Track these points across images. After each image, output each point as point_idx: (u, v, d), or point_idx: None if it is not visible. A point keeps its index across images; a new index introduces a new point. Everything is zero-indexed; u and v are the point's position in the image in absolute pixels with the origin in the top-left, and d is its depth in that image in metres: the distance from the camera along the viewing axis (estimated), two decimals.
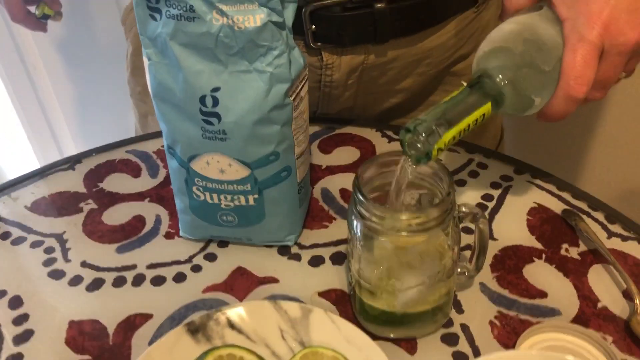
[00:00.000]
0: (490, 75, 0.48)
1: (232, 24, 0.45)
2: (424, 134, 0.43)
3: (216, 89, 0.48)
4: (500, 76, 0.47)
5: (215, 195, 0.54)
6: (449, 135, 0.44)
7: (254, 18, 0.44)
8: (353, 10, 0.60)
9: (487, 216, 0.61)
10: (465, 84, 0.48)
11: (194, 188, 0.55)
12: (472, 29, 0.68)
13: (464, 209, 0.47)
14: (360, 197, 0.44)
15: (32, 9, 0.82)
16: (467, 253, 0.55)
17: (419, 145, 0.44)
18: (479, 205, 0.62)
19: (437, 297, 0.48)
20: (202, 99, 0.48)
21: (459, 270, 0.52)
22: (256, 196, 0.54)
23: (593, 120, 0.97)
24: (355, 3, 0.60)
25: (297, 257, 0.58)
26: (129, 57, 0.80)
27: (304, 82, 0.52)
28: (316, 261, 0.58)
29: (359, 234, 0.46)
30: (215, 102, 0.48)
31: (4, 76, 1.28)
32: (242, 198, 0.54)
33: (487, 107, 0.46)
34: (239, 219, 0.56)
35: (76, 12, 1.19)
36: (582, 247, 0.58)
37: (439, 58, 0.68)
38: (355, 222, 0.46)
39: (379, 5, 0.60)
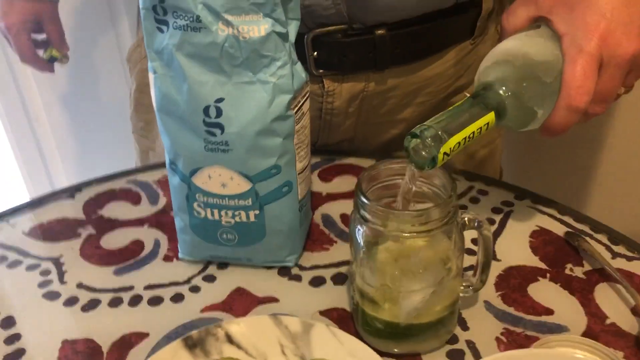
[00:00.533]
0: (492, 87, 0.49)
1: (237, 34, 0.46)
2: (429, 139, 0.43)
3: (220, 100, 0.49)
4: (502, 88, 0.48)
5: (216, 212, 0.54)
6: (454, 140, 0.44)
7: (259, 28, 0.46)
8: (354, 37, 0.62)
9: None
10: (468, 95, 0.49)
11: (195, 204, 0.55)
12: (470, 60, 0.70)
13: (467, 216, 0.46)
14: (364, 199, 0.44)
15: (41, 52, 0.85)
16: (471, 273, 0.54)
17: (423, 153, 0.44)
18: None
19: (442, 308, 0.47)
20: (206, 110, 0.49)
21: (463, 284, 0.51)
22: (257, 212, 0.54)
23: (592, 147, 0.98)
24: (356, 30, 0.62)
25: (298, 278, 0.57)
26: (132, 94, 0.81)
27: (305, 97, 0.53)
28: (317, 282, 0.57)
29: (362, 242, 0.46)
30: (219, 112, 0.49)
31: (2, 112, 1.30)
32: (243, 214, 0.54)
33: (490, 117, 0.47)
34: (239, 237, 0.56)
35: (78, 57, 1.22)
36: (587, 267, 0.57)
37: (438, 87, 0.70)
38: (358, 230, 0.46)
39: (379, 32, 0.62)
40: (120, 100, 0.92)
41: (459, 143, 0.45)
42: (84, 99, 1.29)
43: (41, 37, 0.81)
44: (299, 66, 0.50)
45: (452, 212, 0.44)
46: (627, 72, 0.50)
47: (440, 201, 0.44)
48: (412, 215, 0.43)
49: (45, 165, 1.37)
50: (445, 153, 0.44)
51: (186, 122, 0.50)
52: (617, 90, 0.50)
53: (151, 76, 0.51)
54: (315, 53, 0.62)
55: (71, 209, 0.68)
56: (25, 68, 1.16)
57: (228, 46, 0.47)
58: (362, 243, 0.46)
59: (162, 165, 0.75)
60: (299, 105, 0.52)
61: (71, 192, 0.71)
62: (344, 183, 0.70)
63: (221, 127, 0.49)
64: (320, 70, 0.64)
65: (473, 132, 0.46)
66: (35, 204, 0.69)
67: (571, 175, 1.02)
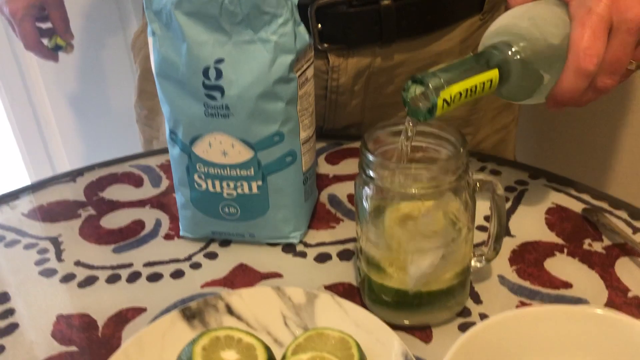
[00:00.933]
0: (497, 47, 0.47)
1: None
2: (430, 85, 0.41)
3: (220, 61, 0.47)
4: (508, 47, 0.46)
5: (217, 183, 0.52)
6: (455, 88, 0.42)
7: None
8: (359, 7, 0.61)
9: (506, 216, 0.58)
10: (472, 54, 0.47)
11: (196, 176, 0.53)
12: (478, 37, 0.68)
13: (479, 177, 0.44)
14: (370, 157, 0.42)
15: (45, 41, 0.84)
16: (484, 248, 0.51)
17: (421, 104, 0.42)
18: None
19: (452, 276, 0.44)
20: (206, 72, 0.47)
21: (476, 254, 0.48)
22: (260, 183, 0.52)
23: (604, 125, 0.95)
24: (360, 0, 0.60)
25: (303, 255, 0.55)
26: (137, 81, 0.80)
27: (310, 62, 0.51)
28: (323, 258, 0.55)
29: (368, 205, 0.44)
30: (219, 74, 0.47)
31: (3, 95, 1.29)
32: (245, 185, 0.52)
33: (494, 74, 0.45)
34: (241, 210, 0.54)
35: (84, 41, 1.21)
36: (607, 242, 0.54)
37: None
38: (364, 193, 0.44)
39: (384, 2, 0.60)
40: (126, 90, 0.91)
41: (460, 93, 0.42)
42: (89, 89, 1.28)
43: (46, 25, 0.81)
44: (302, 28, 0.49)
45: (462, 169, 0.41)
46: (638, 43, 0.48)
47: (452, 157, 0.42)
48: (419, 169, 0.41)
49: (48, 155, 1.36)
50: (445, 100, 0.41)
51: (185, 86, 0.49)
52: (627, 59, 0.48)
53: (150, 40, 0.49)
54: (320, 25, 0.61)
55: (72, 191, 0.66)
56: (30, 56, 1.15)
57: (228, 3, 0.45)
58: (368, 207, 0.44)
59: (164, 150, 0.73)
60: (303, 70, 0.50)
61: (73, 176, 0.69)
62: (351, 165, 0.68)
63: (221, 89, 0.48)
64: (325, 45, 0.62)
65: (475, 86, 0.43)
66: (36, 187, 0.68)
67: (587, 157, 0.99)
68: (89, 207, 0.64)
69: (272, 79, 0.48)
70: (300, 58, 0.49)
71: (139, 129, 0.84)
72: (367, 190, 0.43)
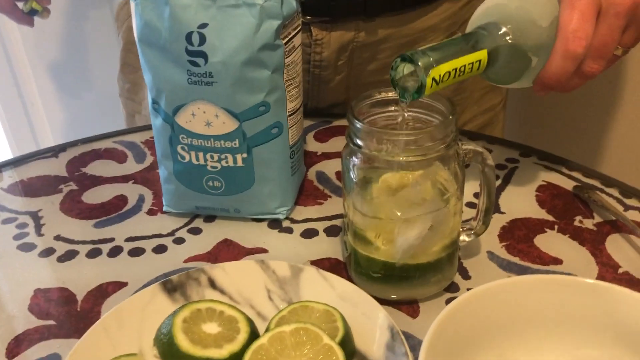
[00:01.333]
0: (486, 27, 0.46)
1: None
2: (420, 63, 0.40)
3: (203, 25, 0.46)
4: (497, 28, 0.46)
5: (201, 155, 0.51)
6: (444, 68, 0.41)
7: None
8: None
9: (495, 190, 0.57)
10: (460, 34, 0.46)
11: (179, 147, 0.51)
12: (465, 14, 0.67)
13: (469, 146, 0.43)
14: (357, 124, 0.40)
15: (21, 4, 0.81)
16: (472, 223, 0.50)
17: (409, 83, 0.41)
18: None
19: (440, 249, 0.43)
20: (189, 37, 0.46)
21: (465, 228, 0.47)
22: (245, 155, 0.51)
23: (594, 104, 0.95)
24: None
25: (289, 230, 0.54)
26: (120, 54, 0.79)
27: (297, 30, 0.50)
28: (309, 234, 0.53)
29: (355, 175, 0.42)
30: (202, 39, 0.46)
31: None
32: (230, 157, 0.51)
33: (482, 55, 0.44)
34: (226, 184, 0.52)
35: (69, 11, 1.18)
36: (598, 219, 0.53)
37: (432, 42, 0.66)
38: (351, 162, 0.42)
39: None
40: (110, 63, 0.88)
41: (449, 73, 0.41)
42: (73, 62, 1.26)
43: None
44: None
45: (451, 137, 0.40)
46: (625, 28, 0.47)
47: (441, 124, 0.41)
48: (408, 136, 0.39)
49: (31, 128, 1.34)
50: (434, 79, 0.40)
51: (168, 52, 0.47)
52: (614, 44, 0.47)
53: (132, 5, 0.48)
54: None
55: (54, 167, 0.65)
56: (12, 28, 1.13)
57: None
58: (355, 177, 0.43)
59: (149, 127, 0.71)
60: (290, 37, 0.48)
61: (55, 151, 0.67)
62: (340, 143, 0.67)
63: (205, 56, 0.46)
64: (308, 17, 0.61)
65: (464, 66, 0.42)
66: (18, 162, 0.66)
67: (577, 137, 0.98)
68: (70, 182, 0.62)
69: (257, 45, 0.46)
70: (287, 24, 0.48)
71: (121, 103, 0.82)
72: (355, 160, 0.42)
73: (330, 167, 0.63)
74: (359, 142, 0.41)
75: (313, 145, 0.67)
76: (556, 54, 0.46)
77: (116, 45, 0.80)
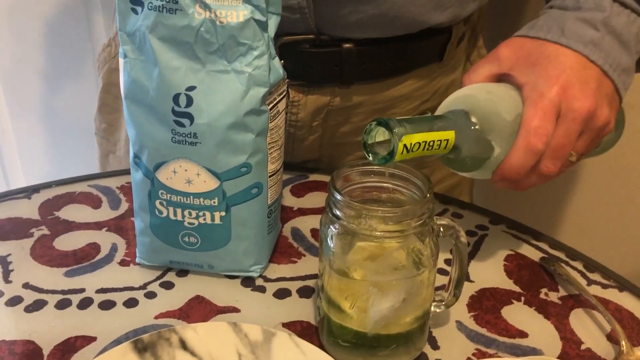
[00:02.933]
0: (455, 113, 0.48)
1: (215, 18, 0.44)
2: (394, 128, 0.42)
3: (191, 88, 0.47)
4: (465, 113, 0.48)
5: (179, 211, 0.51)
6: (415, 138, 0.43)
7: (237, 14, 0.44)
8: (321, 48, 0.62)
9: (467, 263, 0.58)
10: (430, 114, 0.48)
11: (157, 202, 0.51)
12: (437, 85, 0.70)
13: (443, 222, 0.44)
14: (337, 196, 0.41)
15: None
16: (443, 292, 0.51)
17: (381, 148, 0.43)
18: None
19: (411, 320, 0.44)
20: (176, 98, 0.47)
21: (435, 299, 0.48)
22: (223, 214, 0.51)
23: (566, 175, 0.98)
24: (323, 41, 0.61)
25: (262, 289, 0.54)
26: (99, 94, 0.79)
27: (282, 95, 0.51)
28: (282, 294, 0.54)
29: (333, 244, 0.43)
30: (189, 101, 0.47)
31: None
32: (208, 215, 0.51)
33: (450, 135, 0.46)
34: (202, 240, 0.52)
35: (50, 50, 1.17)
36: (562, 292, 0.55)
37: (403, 110, 0.69)
38: (329, 231, 0.43)
39: (346, 45, 0.61)
40: (88, 102, 0.88)
41: (419, 144, 0.43)
42: (51, 101, 1.25)
43: None
44: (276, 61, 0.49)
45: (427, 214, 0.42)
46: (580, 134, 0.50)
47: (418, 201, 0.42)
48: (386, 213, 0.41)
49: (3, 167, 1.31)
50: (405, 146, 0.42)
51: (154, 111, 0.48)
52: (570, 147, 0.50)
53: (121, 61, 0.48)
54: (282, 62, 0.61)
55: (26, 209, 0.64)
56: None
57: (204, 31, 0.45)
58: (332, 244, 0.43)
59: (126, 172, 0.72)
60: (275, 103, 0.50)
61: (28, 193, 0.67)
62: (316, 199, 0.68)
63: (191, 117, 0.47)
64: (287, 80, 0.63)
65: (433, 141, 0.45)
66: None
67: (543, 203, 1.01)
68: (42, 226, 0.61)
69: (243, 110, 0.47)
70: (273, 91, 0.49)
71: (96, 142, 0.82)
72: (333, 229, 0.43)
73: (305, 224, 0.63)
74: (338, 213, 0.42)
75: (289, 200, 0.67)
76: (518, 147, 0.49)
77: (94, 83, 0.81)
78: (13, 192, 0.67)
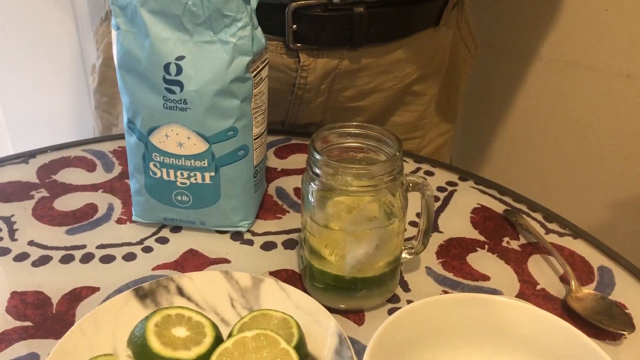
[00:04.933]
0: None
1: None
2: None
3: (181, 58, 0.50)
4: None
5: (172, 172, 0.56)
6: None
7: None
8: (333, 12, 0.65)
9: (434, 214, 0.64)
10: None
11: (151, 164, 0.56)
12: (432, 49, 0.75)
13: (412, 178, 0.49)
14: (317, 155, 0.46)
15: None
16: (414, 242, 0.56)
17: None
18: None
19: (384, 265, 0.50)
20: (167, 67, 0.51)
21: (406, 247, 0.54)
22: (212, 174, 0.56)
23: (533, 133, 1.05)
24: (335, 5, 0.64)
25: (250, 242, 0.59)
26: (98, 68, 0.82)
27: (265, 63, 0.55)
28: (268, 246, 0.59)
29: (313, 199, 0.48)
30: (179, 70, 0.51)
31: None
32: (199, 175, 0.55)
33: None
34: (193, 198, 0.57)
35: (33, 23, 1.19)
36: (522, 241, 0.61)
37: (404, 72, 0.74)
38: (310, 187, 0.48)
39: (358, 9, 0.65)
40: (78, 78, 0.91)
41: None
42: (39, 79, 1.27)
43: None
44: (259, 31, 0.53)
45: (397, 170, 0.47)
46: None
47: (388, 158, 0.47)
48: (359, 170, 0.45)
49: None
50: None
51: (146, 79, 0.52)
52: None
53: (114, 33, 0.52)
54: (295, 26, 0.65)
55: (24, 173, 0.68)
56: None
57: (191, 4, 0.49)
58: (313, 200, 0.48)
59: (116, 136, 0.75)
60: (258, 70, 0.54)
61: (25, 157, 0.70)
62: (298, 160, 0.72)
63: (180, 84, 0.51)
64: (298, 44, 0.66)
65: None
66: None
67: (511, 161, 1.08)
68: (42, 189, 0.65)
69: (229, 78, 0.51)
70: (256, 60, 0.53)
71: (97, 116, 0.85)
72: (313, 186, 0.48)
73: (288, 184, 0.68)
74: (317, 171, 0.47)
75: (273, 162, 0.72)
76: None
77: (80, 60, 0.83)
78: (11, 157, 0.71)
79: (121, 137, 0.75)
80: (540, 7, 0.97)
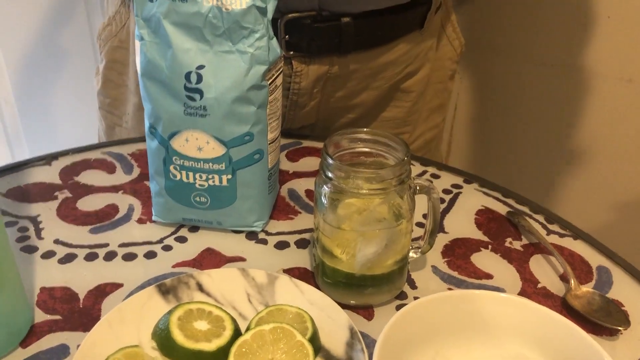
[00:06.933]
0: None
1: (221, 5, 0.51)
2: None
3: (201, 67, 0.53)
4: None
5: (191, 174, 0.59)
6: None
7: (240, 1, 0.51)
8: (322, 22, 0.69)
9: (440, 215, 0.66)
10: None
11: (171, 167, 0.59)
12: (418, 50, 0.79)
13: (419, 181, 0.52)
14: (329, 160, 0.49)
15: None
16: (420, 242, 0.59)
17: None
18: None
19: (392, 263, 0.52)
20: (187, 76, 0.54)
21: (413, 247, 0.56)
22: (229, 176, 0.58)
23: (534, 137, 1.08)
24: (324, 17, 0.68)
25: (264, 242, 0.62)
26: (102, 71, 0.85)
27: (279, 71, 0.58)
28: (282, 245, 0.62)
29: (326, 200, 0.51)
30: (199, 78, 0.54)
31: None
32: (217, 177, 0.58)
33: None
34: (211, 200, 0.60)
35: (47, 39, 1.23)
36: (525, 241, 0.63)
37: (392, 73, 0.78)
38: (322, 189, 0.51)
39: (345, 19, 0.69)
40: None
41: None
42: (51, 77, 1.31)
43: None
44: (274, 42, 0.55)
45: (405, 174, 0.49)
46: None
47: (396, 164, 0.50)
48: (370, 174, 0.48)
49: (8, 141, 1.38)
50: None
51: (168, 87, 0.55)
52: None
53: (137, 43, 0.55)
54: (287, 36, 0.68)
55: (48, 174, 0.71)
56: None
57: (211, 16, 0.52)
58: (325, 201, 0.51)
59: (133, 140, 0.79)
60: (273, 78, 0.57)
61: (48, 159, 0.74)
62: (309, 163, 0.75)
63: (200, 92, 0.54)
64: (291, 52, 0.70)
65: None
66: (13, 168, 0.72)
67: (514, 163, 1.11)
68: (65, 190, 0.69)
69: (246, 86, 0.54)
70: (272, 68, 0.56)
71: (100, 116, 0.89)
72: (326, 188, 0.51)
73: (300, 185, 0.71)
74: (330, 174, 0.49)
75: (285, 165, 0.75)
76: None
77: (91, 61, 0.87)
78: (34, 159, 0.74)
79: (138, 140, 0.78)
80: (546, 13, 1.00)
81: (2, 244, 0.47)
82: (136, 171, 0.72)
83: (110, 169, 0.73)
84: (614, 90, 0.97)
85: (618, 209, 1.02)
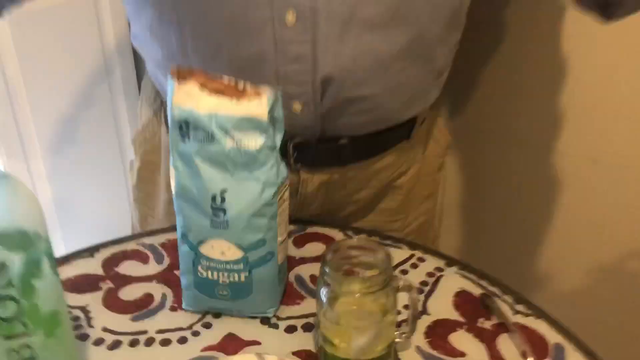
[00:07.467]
0: None
1: (240, 146, 0.65)
2: None
3: (224, 191, 0.67)
4: None
5: (215, 273, 0.71)
6: None
7: (255, 143, 0.65)
8: (324, 144, 0.83)
9: (423, 298, 0.78)
10: None
11: (199, 267, 0.72)
12: (407, 155, 0.92)
13: (401, 282, 0.65)
14: (326, 269, 0.62)
15: None
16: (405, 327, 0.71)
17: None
18: (418, 288, 0.80)
19: (382, 348, 0.65)
20: (213, 197, 0.67)
21: (399, 331, 0.68)
22: (247, 274, 0.71)
23: (507, 220, 1.20)
24: (326, 138, 0.83)
25: (276, 326, 0.74)
26: (136, 170, 0.99)
27: (286, 188, 0.71)
28: (291, 329, 0.74)
29: (325, 299, 0.63)
30: (223, 199, 0.67)
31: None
32: (236, 275, 0.71)
33: None
34: (231, 293, 0.73)
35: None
36: (494, 321, 0.75)
37: (384, 175, 0.92)
38: (322, 290, 0.63)
39: (342, 141, 0.84)
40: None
41: None
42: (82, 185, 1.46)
43: None
44: (282, 166, 0.69)
45: (389, 279, 0.62)
46: None
47: (381, 271, 0.62)
48: (361, 281, 0.61)
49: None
50: None
51: (198, 206, 0.68)
52: None
53: (172, 170, 0.69)
54: (295, 154, 0.82)
55: (92, 266, 0.84)
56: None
57: (232, 154, 0.65)
58: (325, 300, 0.64)
59: (162, 230, 0.91)
60: (282, 194, 0.70)
61: (91, 251, 0.87)
62: (314, 248, 0.88)
63: (224, 210, 0.67)
64: (298, 165, 0.84)
65: None
66: (62, 261, 0.85)
67: (488, 242, 1.24)
68: (107, 280, 0.81)
69: (260, 203, 0.67)
70: (281, 187, 0.69)
71: (135, 207, 1.03)
72: (324, 290, 0.63)
73: (306, 271, 0.83)
74: (328, 280, 0.62)
75: (292, 250, 0.87)
76: None
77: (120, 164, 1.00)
78: (79, 252, 0.87)
79: (167, 230, 0.91)
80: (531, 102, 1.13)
81: (70, 337, 0.60)
82: (166, 261, 0.85)
83: (144, 259, 0.85)
84: (581, 170, 1.10)
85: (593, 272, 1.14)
